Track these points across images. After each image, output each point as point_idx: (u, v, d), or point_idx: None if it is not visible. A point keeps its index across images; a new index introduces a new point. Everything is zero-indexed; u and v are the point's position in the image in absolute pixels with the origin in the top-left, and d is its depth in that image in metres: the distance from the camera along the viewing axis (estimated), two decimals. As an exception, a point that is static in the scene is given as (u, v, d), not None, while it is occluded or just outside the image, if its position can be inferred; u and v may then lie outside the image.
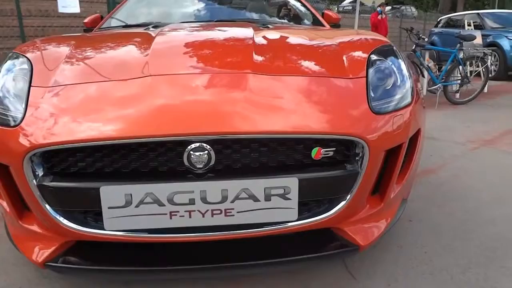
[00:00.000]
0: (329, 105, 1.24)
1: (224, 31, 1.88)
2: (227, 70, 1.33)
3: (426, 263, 1.59)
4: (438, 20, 11.30)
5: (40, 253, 1.28)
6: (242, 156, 1.17)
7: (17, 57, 1.49)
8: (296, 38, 1.79)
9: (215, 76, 1.29)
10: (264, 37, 1.67)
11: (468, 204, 2.14)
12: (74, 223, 1.22)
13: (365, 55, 1.50)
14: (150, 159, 1.17)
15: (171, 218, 1.16)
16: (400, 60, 1.58)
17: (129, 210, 1.15)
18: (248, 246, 1.28)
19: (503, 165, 2.80)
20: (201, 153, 1.13)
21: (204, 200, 1.14)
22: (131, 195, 1.13)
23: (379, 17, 8.68)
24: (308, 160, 1.20)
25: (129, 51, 1.53)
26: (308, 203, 1.24)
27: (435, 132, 3.79)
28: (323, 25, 2.71)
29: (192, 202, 1.14)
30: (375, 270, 1.54)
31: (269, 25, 2.04)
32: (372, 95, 1.34)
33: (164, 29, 1.81)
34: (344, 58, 1.48)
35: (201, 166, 1.14)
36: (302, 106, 1.22)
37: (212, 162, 1.14)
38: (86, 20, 2.87)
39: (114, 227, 1.17)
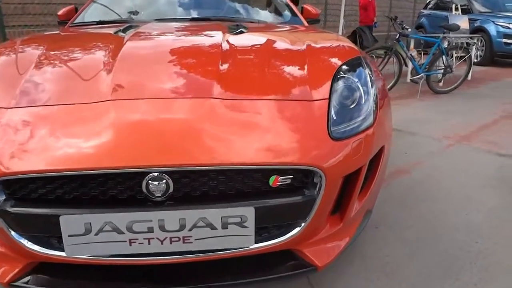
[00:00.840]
0: (287, 133, 1.25)
1: (193, 40, 1.85)
2: (189, 95, 1.32)
3: (387, 275, 1.65)
4: (428, 1, 11.21)
5: (5, 274, 1.30)
6: (201, 184, 1.19)
7: None
8: (264, 48, 1.77)
9: (176, 102, 1.29)
10: (232, 48, 1.66)
11: (437, 207, 2.19)
12: (37, 245, 1.23)
13: (331, 73, 1.51)
14: (109, 187, 1.18)
15: (130, 245, 1.18)
16: (367, 73, 1.59)
17: (88, 237, 1.16)
18: (205, 267, 1.31)
19: (474, 164, 2.86)
20: (160, 182, 1.14)
21: (162, 228, 1.17)
22: (90, 223, 1.15)
23: None
24: (266, 187, 1.22)
25: (93, 66, 1.51)
26: (266, 227, 1.27)
27: (414, 125, 3.84)
28: (301, 23, 2.68)
29: (150, 230, 1.17)
30: (336, 284, 1.59)
31: (242, 29, 2.02)
32: (334, 117, 1.35)
33: (133, 36, 1.78)
34: (310, 76, 1.48)
35: (159, 194, 1.16)
36: (260, 135, 1.22)
37: (171, 190, 1.16)
38: (60, 13, 2.81)
39: (74, 253, 1.19)
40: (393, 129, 3.55)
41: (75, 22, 2.57)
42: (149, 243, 1.18)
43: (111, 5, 2.67)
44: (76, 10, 2.82)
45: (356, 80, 1.54)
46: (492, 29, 8.18)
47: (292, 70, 1.55)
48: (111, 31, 1.98)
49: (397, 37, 4.95)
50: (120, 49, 1.58)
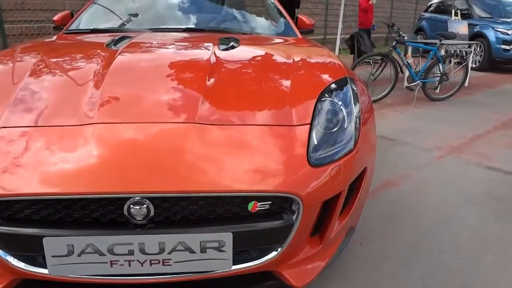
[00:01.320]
0: (267, 159, 1.28)
1: (182, 56, 1.86)
2: (172, 119, 1.35)
3: (367, 293, 1.69)
4: (429, 4, 11.21)
5: (-10, 289, 1.34)
6: (181, 209, 1.22)
7: None
8: (251, 68, 1.80)
9: (158, 127, 1.31)
10: (219, 67, 1.69)
11: (422, 223, 2.23)
12: (22, 263, 1.27)
13: (316, 95, 1.54)
14: (92, 210, 1.21)
15: (111, 266, 1.21)
16: (352, 95, 1.62)
17: (71, 258, 1.20)
18: (186, 285, 1.34)
19: (462, 178, 2.89)
20: (141, 206, 1.18)
21: (142, 251, 1.20)
22: (72, 245, 1.18)
23: (371, 2, 8.44)
24: (245, 212, 1.25)
25: (82, 84, 1.53)
26: (244, 250, 1.31)
27: (406, 135, 3.87)
28: (294, 34, 2.71)
29: (131, 253, 1.20)
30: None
31: (233, 43, 2.05)
32: (315, 142, 1.38)
33: (123, 51, 1.80)
34: (294, 98, 1.52)
35: (140, 218, 1.19)
36: (239, 162, 1.25)
37: (152, 214, 1.19)
38: (55, 18, 2.83)
39: (57, 273, 1.22)
40: (386, 138, 3.59)
41: (69, 29, 2.59)
42: (129, 265, 1.22)
43: (107, 12, 2.69)
44: (71, 15, 2.85)
45: (340, 103, 1.57)
46: (491, 35, 8.19)
47: (277, 92, 1.58)
48: (104, 41, 2.01)
49: (393, 44, 4.97)
50: (110, 66, 1.61)
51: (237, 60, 1.86)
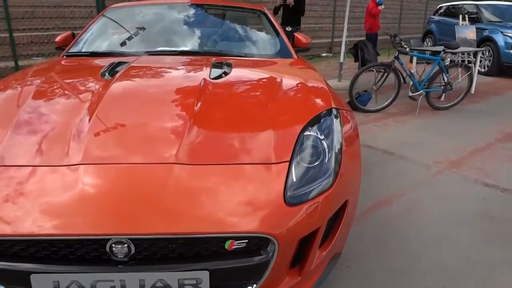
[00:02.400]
0: (243, 199, 1.33)
1: (171, 87, 1.93)
2: (153, 159, 1.41)
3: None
4: (438, 7, 11.11)
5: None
6: (160, 248, 1.28)
7: None
8: (237, 98, 1.86)
9: (139, 168, 1.38)
10: (206, 99, 1.75)
11: (410, 247, 2.25)
12: None
13: (298, 131, 1.59)
14: (76, 248, 1.28)
15: (96, 301, 1.29)
16: (335, 129, 1.66)
17: (57, 293, 1.27)
18: None
19: (457, 196, 2.90)
20: (122, 245, 1.24)
21: (123, 287, 1.27)
22: (58, 282, 1.25)
23: (380, 7, 8.33)
24: (222, 250, 1.31)
25: (70, 120, 1.60)
26: (221, 286, 1.36)
27: (405, 148, 3.88)
28: (290, 55, 2.75)
29: (113, 289, 1.27)
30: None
31: (226, 69, 2.11)
32: (294, 180, 1.43)
33: (116, 82, 1.88)
34: (275, 134, 1.57)
35: (122, 256, 1.26)
36: (216, 203, 1.31)
37: (132, 252, 1.26)
38: (57, 39, 2.92)
39: (45, 306, 1.30)
40: (386, 152, 3.59)
41: (70, 51, 2.68)
42: (112, 301, 1.29)
43: (106, 35, 2.77)
44: (73, 36, 2.93)
45: (322, 137, 1.61)
46: (500, 39, 8.10)
47: (260, 125, 1.63)
48: (99, 68, 2.09)
49: (396, 54, 4.97)
50: (100, 101, 1.68)
51: (225, 90, 1.92)
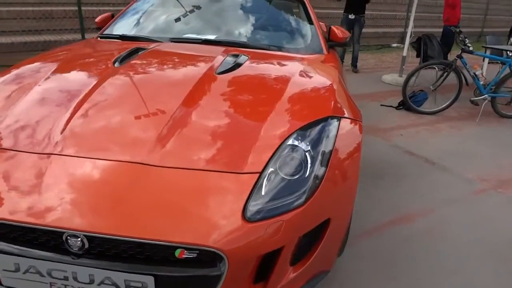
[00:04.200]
0: (200, 209, 1.28)
1: (170, 80, 1.91)
2: (122, 157, 1.40)
3: None
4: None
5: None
6: (112, 247, 1.28)
7: None
8: (234, 98, 1.79)
9: (107, 165, 1.37)
10: (201, 94, 1.72)
11: (419, 277, 2.04)
12: None
13: (280, 140, 1.50)
14: (38, 235, 1.32)
15: (51, 287, 1.33)
16: (326, 139, 1.54)
17: (18, 274, 1.33)
18: None
19: (492, 222, 2.59)
20: (76, 239, 1.26)
21: (75, 279, 1.29)
22: (18, 264, 1.31)
23: None
24: (173, 258, 1.28)
25: (61, 107, 1.64)
26: None
27: (451, 158, 3.55)
28: (320, 50, 2.60)
29: (66, 278, 1.30)
30: None
31: (239, 62, 2.05)
32: (262, 193, 1.35)
33: (119, 71, 1.91)
34: (258, 141, 1.49)
35: (76, 249, 1.28)
36: (173, 210, 1.27)
37: (86, 247, 1.28)
38: (97, 19, 3.02)
39: (8, 284, 1.36)
40: (426, 161, 3.32)
41: (103, 33, 2.76)
42: (65, 290, 1.32)
43: (136, 20, 2.82)
44: (112, 17, 3.02)
45: (308, 148, 1.50)
46: None
47: (245, 130, 1.56)
48: (117, 53, 2.14)
49: (460, 53, 4.51)
50: (94, 91, 1.71)
51: (223, 88, 1.85)
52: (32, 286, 1.34)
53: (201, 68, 2.00)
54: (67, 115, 1.58)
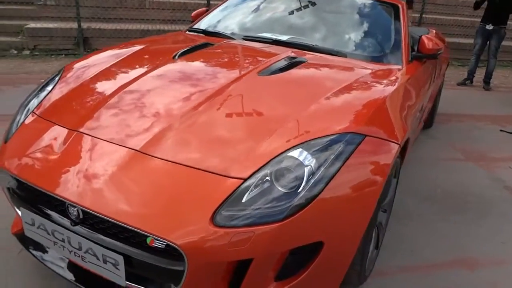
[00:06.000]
0: (176, 205, 1.32)
1: (207, 78, 1.96)
2: (124, 142, 1.51)
3: None
4: None
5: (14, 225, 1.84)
6: (99, 222, 1.40)
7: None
8: (267, 99, 1.77)
9: (110, 147, 1.51)
10: (229, 94, 1.76)
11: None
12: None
13: (280, 149, 1.44)
14: (48, 199, 1.52)
15: (54, 244, 1.51)
16: (334, 156, 1.43)
17: (34, 228, 1.55)
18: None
19: None
20: (74, 209, 1.42)
21: (69, 243, 1.46)
22: (34, 220, 1.53)
23: None
24: (145, 244, 1.34)
25: (105, 94, 1.84)
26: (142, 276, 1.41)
27: None
28: (396, 61, 2.37)
29: (63, 240, 1.47)
30: None
31: (289, 66, 2.03)
32: (243, 200, 1.31)
33: (165, 66, 2.06)
34: (259, 148, 1.46)
35: (74, 217, 1.44)
36: (151, 199, 1.34)
37: (81, 217, 1.43)
38: (193, 14, 3.25)
39: (28, 234, 1.60)
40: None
41: (192, 27, 2.97)
42: (63, 249, 1.50)
43: (222, 16, 2.95)
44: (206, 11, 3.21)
45: (308, 163, 1.41)
46: None
47: (249, 135, 1.55)
48: (182, 47, 2.29)
49: None
50: (136, 80, 1.88)
51: (258, 89, 1.85)
52: (43, 241, 1.56)
53: (246, 68, 2.02)
54: (103, 101, 1.77)
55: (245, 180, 1.36)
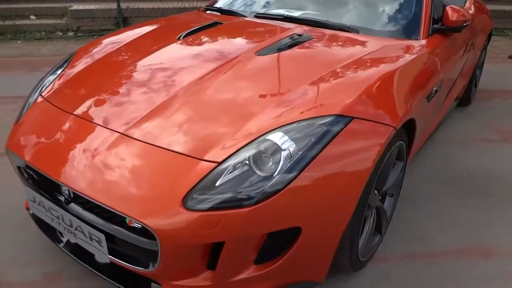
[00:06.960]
0: (150, 186, 1.36)
1: (205, 58, 1.96)
2: (109, 125, 1.57)
3: None
4: None
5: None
6: (86, 201, 1.47)
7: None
8: (260, 80, 1.74)
9: (98, 130, 1.57)
10: (213, 77, 1.74)
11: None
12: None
13: (259, 133, 1.42)
14: (46, 178, 1.60)
15: (52, 221, 1.62)
16: (316, 139, 1.39)
17: (35, 205, 1.66)
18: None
19: None
20: (65, 188, 1.50)
21: (63, 220, 1.55)
22: (34, 197, 1.64)
23: None
24: (125, 223, 1.40)
25: (105, 75, 1.90)
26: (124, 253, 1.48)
27: None
28: (413, 35, 2.22)
29: (58, 218, 1.57)
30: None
31: (292, 44, 1.99)
32: (216, 184, 1.32)
33: (167, 47, 2.08)
34: (236, 131, 1.46)
35: (66, 197, 1.52)
36: (128, 180, 1.39)
37: (72, 196, 1.51)
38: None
39: (32, 210, 1.71)
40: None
41: (208, 6, 2.95)
42: (59, 225, 1.60)
43: None
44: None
45: (285, 147, 1.38)
46: None
47: (232, 118, 1.54)
48: (198, 25, 2.31)
49: None
50: (137, 61, 1.91)
51: (254, 69, 1.82)
52: (43, 216, 1.66)
53: (246, 47, 1.99)
54: (99, 85, 1.83)
55: (220, 163, 1.36)
